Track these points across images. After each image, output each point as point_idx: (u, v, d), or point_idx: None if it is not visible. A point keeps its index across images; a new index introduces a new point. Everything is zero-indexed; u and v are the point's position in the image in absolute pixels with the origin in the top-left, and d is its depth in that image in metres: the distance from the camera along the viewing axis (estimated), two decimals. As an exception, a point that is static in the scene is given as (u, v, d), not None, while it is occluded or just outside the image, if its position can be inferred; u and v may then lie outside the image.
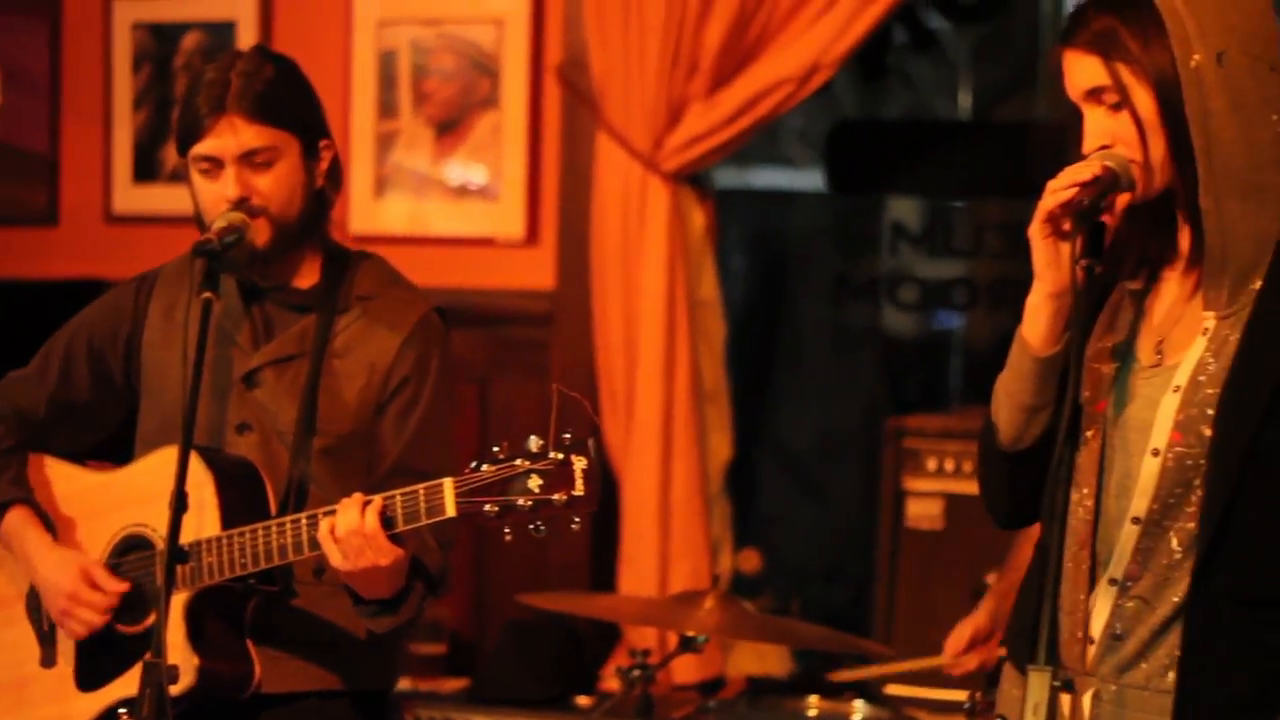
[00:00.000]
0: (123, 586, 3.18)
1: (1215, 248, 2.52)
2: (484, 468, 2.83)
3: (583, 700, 5.01)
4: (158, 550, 3.12)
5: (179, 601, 3.05)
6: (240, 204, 3.13)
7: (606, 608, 4.52)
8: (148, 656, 2.84)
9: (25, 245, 5.86)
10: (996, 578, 3.76)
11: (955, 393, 7.10)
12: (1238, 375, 2.49)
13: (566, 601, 4.46)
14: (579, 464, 2.80)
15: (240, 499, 3.11)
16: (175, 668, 2.85)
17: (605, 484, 4.76)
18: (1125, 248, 2.61)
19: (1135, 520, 2.55)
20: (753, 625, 4.15)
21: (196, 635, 3.09)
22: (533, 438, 2.82)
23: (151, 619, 3.10)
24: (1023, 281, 2.59)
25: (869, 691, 4.96)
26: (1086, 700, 2.58)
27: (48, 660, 3.30)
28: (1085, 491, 2.58)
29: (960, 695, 3.42)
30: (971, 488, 3.14)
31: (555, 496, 2.80)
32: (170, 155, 5.66)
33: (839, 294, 7.01)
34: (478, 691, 5.13)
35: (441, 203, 5.50)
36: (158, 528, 3.11)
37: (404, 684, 4.99)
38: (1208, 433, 2.49)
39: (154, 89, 5.75)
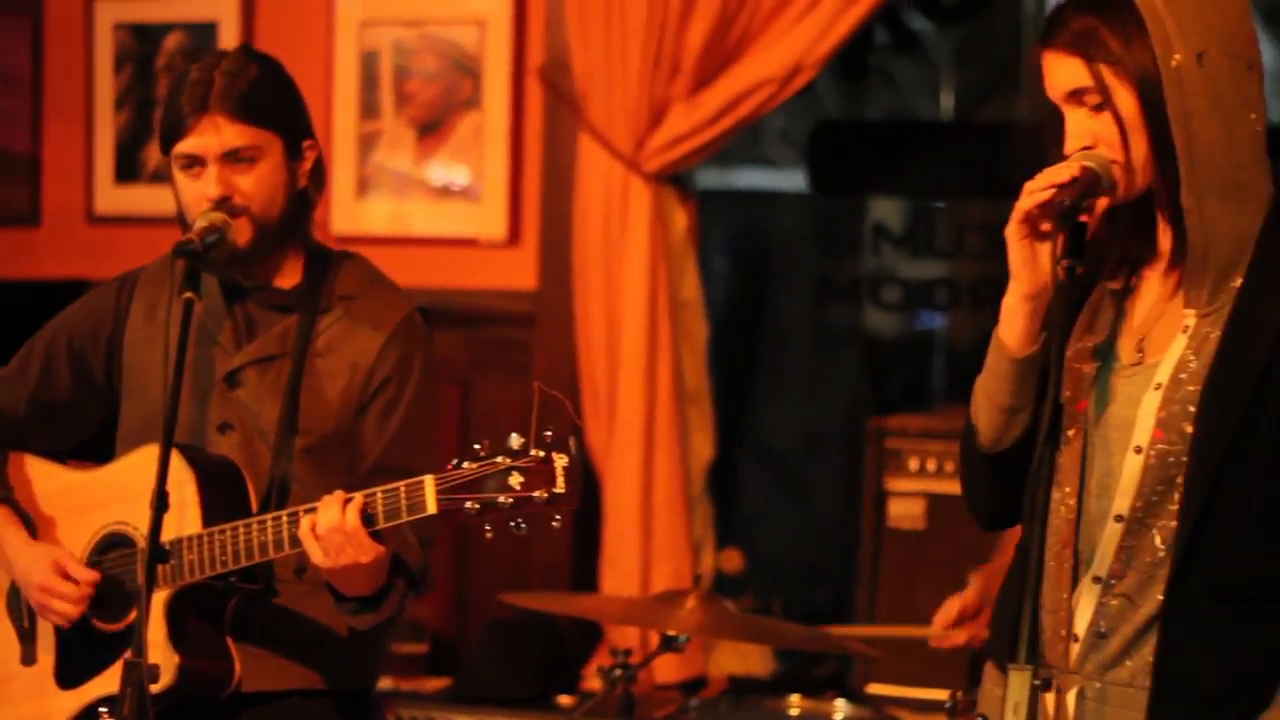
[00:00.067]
0: (93, 576, 3.17)
1: (1196, 246, 2.52)
2: (465, 465, 2.83)
3: (564, 700, 5.01)
4: (139, 548, 3.12)
5: (160, 599, 3.05)
6: (222, 203, 3.12)
7: (588, 607, 4.52)
8: (128, 655, 2.83)
9: (7, 245, 5.84)
10: (983, 567, 3.76)
11: (937, 393, 7.09)
12: (1219, 372, 2.49)
13: (548, 601, 4.46)
14: (560, 462, 2.79)
15: (221, 498, 3.11)
16: (156, 667, 2.84)
17: (587, 484, 4.77)
18: (1105, 248, 2.62)
19: (1118, 518, 2.55)
20: (735, 625, 4.15)
21: (177, 633, 3.09)
22: (514, 435, 2.82)
23: (132, 617, 3.11)
24: (1004, 282, 2.59)
25: (850, 690, 4.97)
26: (1071, 698, 2.59)
27: (28, 658, 3.29)
28: (1067, 490, 2.58)
29: (942, 694, 3.42)
30: (954, 488, 3.14)
31: (536, 494, 2.79)
32: (152, 155, 5.65)
33: (821, 294, 7.00)
34: (459, 691, 5.12)
35: (423, 203, 5.49)
36: (139, 526, 3.10)
37: (386, 683, 4.98)
38: (1189, 430, 2.49)
39: (136, 89, 5.74)
